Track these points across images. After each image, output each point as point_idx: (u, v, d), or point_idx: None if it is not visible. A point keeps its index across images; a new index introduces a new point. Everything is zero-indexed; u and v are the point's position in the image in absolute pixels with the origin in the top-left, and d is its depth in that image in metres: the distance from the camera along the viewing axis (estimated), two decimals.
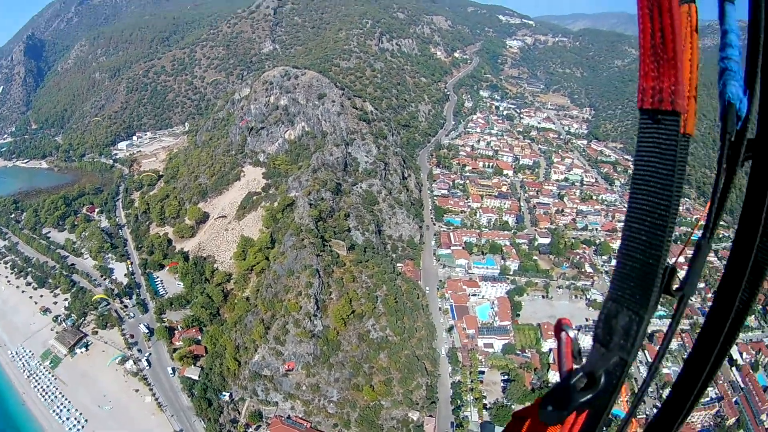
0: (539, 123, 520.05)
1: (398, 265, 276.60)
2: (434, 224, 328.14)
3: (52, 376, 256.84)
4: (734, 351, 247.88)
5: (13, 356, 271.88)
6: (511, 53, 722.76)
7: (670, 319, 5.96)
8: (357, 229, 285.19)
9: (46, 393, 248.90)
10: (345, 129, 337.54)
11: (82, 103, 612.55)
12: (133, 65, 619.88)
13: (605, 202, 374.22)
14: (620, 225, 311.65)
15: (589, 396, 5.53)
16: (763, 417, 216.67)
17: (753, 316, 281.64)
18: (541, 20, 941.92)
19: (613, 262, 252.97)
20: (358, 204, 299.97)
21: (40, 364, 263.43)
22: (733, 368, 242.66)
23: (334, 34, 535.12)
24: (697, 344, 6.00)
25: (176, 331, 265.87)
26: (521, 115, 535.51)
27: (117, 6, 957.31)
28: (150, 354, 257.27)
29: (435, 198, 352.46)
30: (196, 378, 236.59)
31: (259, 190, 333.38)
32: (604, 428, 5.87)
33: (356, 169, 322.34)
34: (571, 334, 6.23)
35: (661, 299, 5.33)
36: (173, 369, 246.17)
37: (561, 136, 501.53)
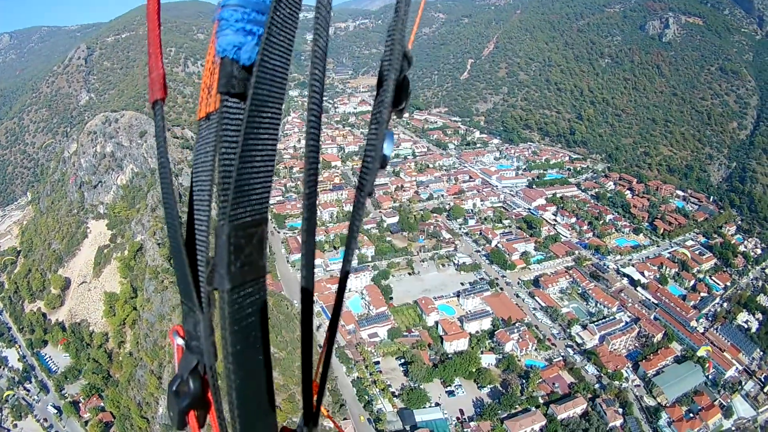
0: (355, 108, 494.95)
1: None
2: (278, 232, 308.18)
3: None
4: (633, 272, 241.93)
5: None
6: (309, 48, 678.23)
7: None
8: None
9: None
10: (171, 161, 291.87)
11: None
12: None
13: (444, 168, 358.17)
14: (466, 185, 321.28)
15: (187, 400, 4.24)
16: (693, 323, 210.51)
17: (641, 234, 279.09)
18: (340, 8, 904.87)
19: (471, 222, 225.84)
20: None
21: None
22: (638, 288, 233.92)
23: (141, 70, 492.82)
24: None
25: (80, 404, 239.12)
26: (336, 105, 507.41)
27: None
28: None
29: (272, 207, 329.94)
30: None
31: (108, 242, 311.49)
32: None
33: None
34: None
35: None
36: None
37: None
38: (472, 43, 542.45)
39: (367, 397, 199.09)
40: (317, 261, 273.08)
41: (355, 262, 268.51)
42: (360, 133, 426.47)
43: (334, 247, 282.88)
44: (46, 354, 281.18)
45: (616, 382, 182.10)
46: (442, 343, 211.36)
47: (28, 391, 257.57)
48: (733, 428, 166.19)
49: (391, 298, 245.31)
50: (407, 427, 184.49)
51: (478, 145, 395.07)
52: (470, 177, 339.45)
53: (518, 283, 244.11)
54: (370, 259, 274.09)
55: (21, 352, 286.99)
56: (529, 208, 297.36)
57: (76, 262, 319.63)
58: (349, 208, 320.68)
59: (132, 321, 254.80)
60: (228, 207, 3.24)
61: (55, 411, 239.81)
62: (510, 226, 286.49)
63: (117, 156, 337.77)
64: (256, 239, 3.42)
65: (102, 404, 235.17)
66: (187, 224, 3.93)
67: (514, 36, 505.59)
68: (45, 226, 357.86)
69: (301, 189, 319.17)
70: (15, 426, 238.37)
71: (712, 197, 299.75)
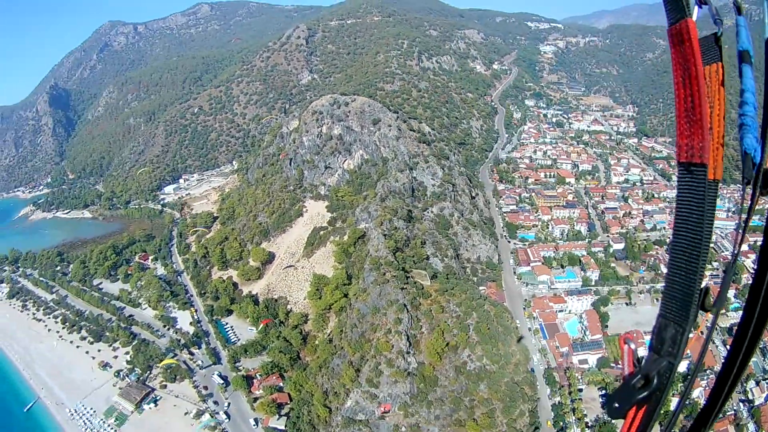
0: (588, 126, 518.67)
1: (481, 288, 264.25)
2: (509, 242, 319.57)
3: None
4: None
5: (72, 414, 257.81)
6: (546, 59, 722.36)
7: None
8: (435, 255, 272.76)
9: None
10: (406, 153, 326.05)
11: (120, 149, 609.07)
12: (167, 108, 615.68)
13: (667, 200, 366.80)
14: None
15: (645, 393, 7.52)
16: None
17: None
18: (567, 22, 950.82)
19: None
20: (433, 230, 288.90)
21: (104, 422, 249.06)
22: None
23: (372, 58, 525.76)
24: (733, 342, 7.51)
25: (254, 380, 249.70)
26: (570, 120, 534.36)
27: (140, 50, 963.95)
28: (228, 405, 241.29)
29: (504, 214, 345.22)
30: (283, 428, 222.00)
31: (325, 224, 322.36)
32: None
33: (424, 193, 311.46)
34: (632, 346, 8.69)
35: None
36: (256, 420, 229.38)
37: (612, 138, 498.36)
38: None
39: (562, 423, 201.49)
40: (543, 276, 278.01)
41: (579, 284, 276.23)
42: (593, 152, 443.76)
43: (562, 266, 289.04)
44: (227, 324, 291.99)
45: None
46: None
47: (193, 355, 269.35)
48: None
49: (606, 326, 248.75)
50: None
51: None
52: None
53: (717, 329, 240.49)
54: (593, 283, 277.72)
55: (196, 317, 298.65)
56: (734, 253, 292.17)
57: (284, 239, 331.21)
58: (579, 227, 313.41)
59: (339, 308, 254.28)
60: (737, 256, 7.73)
61: (221, 381, 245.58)
62: (717, 269, 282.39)
63: (345, 140, 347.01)
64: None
65: (281, 384, 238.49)
66: (692, 256, 7.19)
67: (728, 69, 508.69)
68: (252, 197, 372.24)
69: (536, 202, 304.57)
70: (164, 387, 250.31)
71: None
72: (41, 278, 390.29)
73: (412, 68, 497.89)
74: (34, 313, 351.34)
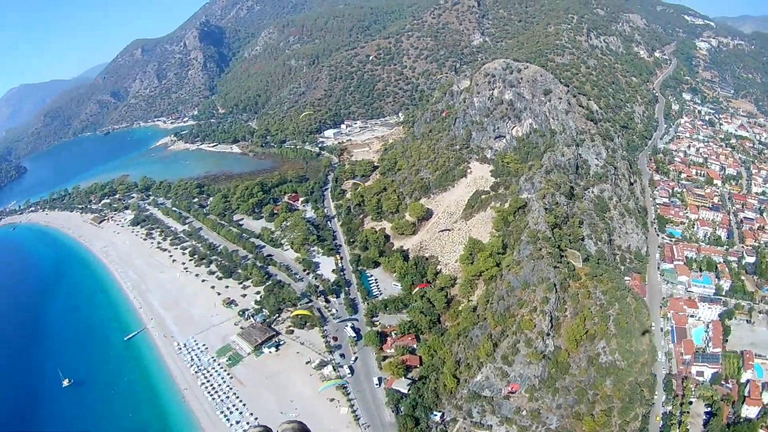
0: (736, 130, 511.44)
1: (626, 278, 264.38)
2: (657, 235, 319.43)
3: (228, 374, 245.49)
4: None
5: (180, 348, 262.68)
6: (701, 55, 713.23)
7: None
8: (590, 237, 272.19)
9: (216, 392, 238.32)
10: (574, 129, 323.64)
11: (278, 89, 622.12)
12: (333, 53, 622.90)
13: None
14: None
15: None
16: None
17: None
18: (716, 21, 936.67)
19: None
20: (591, 210, 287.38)
21: (215, 360, 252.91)
22: None
23: (543, 29, 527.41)
24: None
25: (388, 338, 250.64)
26: (720, 121, 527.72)
27: None
28: (355, 360, 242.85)
29: (657, 206, 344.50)
30: (405, 392, 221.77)
31: (488, 189, 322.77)
32: None
33: (587, 172, 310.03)
34: None
35: None
36: (379, 379, 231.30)
37: (755, 146, 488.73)
38: None
39: None
40: (683, 277, 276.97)
41: (712, 291, 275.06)
42: (738, 158, 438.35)
43: (700, 269, 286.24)
44: (371, 276, 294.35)
45: None
46: (743, 404, 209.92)
47: (329, 303, 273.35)
48: None
49: (726, 341, 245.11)
50: None
51: None
52: None
53: None
54: (724, 294, 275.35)
55: (341, 265, 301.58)
56: None
57: (444, 198, 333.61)
58: (720, 232, 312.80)
59: (490, 276, 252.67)
60: None
61: (353, 334, 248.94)
62: None
63: (516, 107, 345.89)
64: None
65: (414, 346, 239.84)
66: None
67: None
68: (416, 152, 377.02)
69: (686, 199, 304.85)
70: (291, 332, 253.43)
71: None
72: (174, 208, 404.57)
73: (581, 44, 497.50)
74: (159, 243, 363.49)
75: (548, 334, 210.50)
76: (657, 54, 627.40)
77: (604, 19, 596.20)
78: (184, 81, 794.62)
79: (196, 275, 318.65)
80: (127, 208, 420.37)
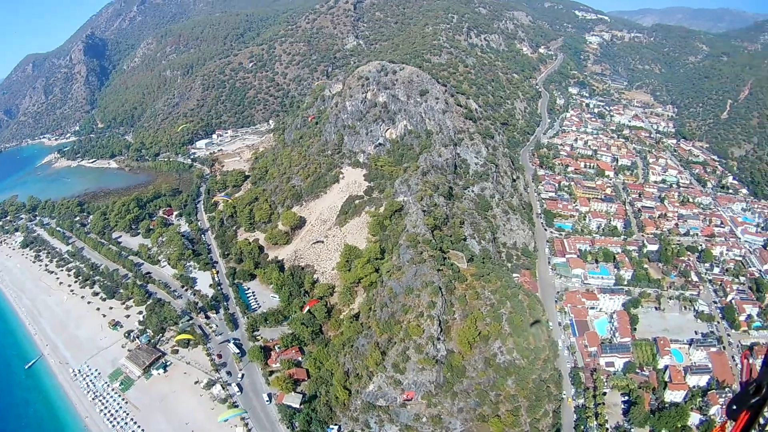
0: (629, 121, 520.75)
1: (515, 275, 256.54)
2: (545, 229, 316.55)
3: (122, 399, 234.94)
4: None
5: (76, 375, 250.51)
6: (591, 49, 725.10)
7: None
8: (473, 237, 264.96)
9: (114, 418, 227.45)
10: (452, 128, 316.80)
11: (153, 101, 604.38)
12: (207, 62, 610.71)
13: (701, 206, 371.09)
14: (717, 230, 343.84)
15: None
16: None
17: None
18: (613, 15, 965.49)
19: (716, 270, 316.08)
20: (472, 210, 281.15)
21: (108, 386, 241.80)
22: None
23: (420, 29, 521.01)
24: None
25: (272, 352, 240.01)
26: (611, 113, 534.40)
27: (183, 4, 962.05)
28: (242, 377, 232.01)
29: (543, 201, 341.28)
30: (298, 406, 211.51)
31: (362, 193, 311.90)
32: None
33: (466, 171, 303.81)
34: (753, 360, 17.89)
35: None
36: (269, 395, 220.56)
37: (651, 135, 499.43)
38: (731, 83, 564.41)
39: (583, 427, 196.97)
40: (577, 270, 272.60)
41: (612, 282, 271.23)
42: (632, 148, 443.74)
43: (596, 261, 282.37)
44: (248, 288, 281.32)
45: None
46: (664, 389, 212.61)
47: (209, 319, 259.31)
48: None
49: (635, 329, 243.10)
50: None
51: (730, 191, 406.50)
52: (721, 222, 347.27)
53: (738, 345, 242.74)
54: (626, 283, 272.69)
55: (217, 279, 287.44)
56: (760, 270, 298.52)
57: (317, 204, 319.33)
58: (616, 223, 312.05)
59: (369, 283, 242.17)
60: None
61: (237, 350, 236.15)
62: (744, 284, 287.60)
63: (391, 109, 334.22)
64: None
65: (299, 359, 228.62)
66: None
67: (764, 86, 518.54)
68: (287, 159, 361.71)
69: (574, 192, 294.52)
70: (176, 352, 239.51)
71: None
72: (58, 228, 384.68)
73: (461, 43, 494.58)
74: (46, 265, 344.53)
75: (439, 339, 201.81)
76: (542, 50, 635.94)
77: (486, 17, 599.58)
78: (68, 96, 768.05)
79: (82, 297, 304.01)
80: (17, 230, 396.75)
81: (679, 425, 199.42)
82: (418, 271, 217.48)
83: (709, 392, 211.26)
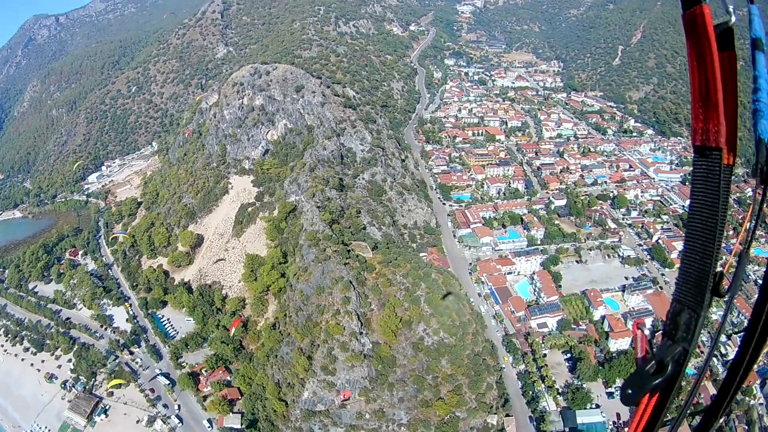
0: (513, 83, 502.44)
1: (422, 255, 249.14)
2: (443, 204, 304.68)
3: None
4: None
5: None
6: (464, 18, 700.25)
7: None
8: (372, 224, 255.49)
9: None
10: (332, 119, 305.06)
11: (44, 143, 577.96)
12: (88, 95, 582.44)
13: (605, 153, 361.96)
14: (627, 174, 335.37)
15: (658, 380, 7.03)
16: None
17: None
18: None
19: (633, 214, 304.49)
20: (366, 197, 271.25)
21: None
22: None
23: (288, 27, 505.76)
24: (745, 335, 7.34)
25: (201, 376, 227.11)
26: (493, 78, 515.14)
27: (62, 41, 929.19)
28: (179, 408, 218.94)
29: (436, 176, 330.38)
30: (239, 426, 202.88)
31: (253, 200, 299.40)
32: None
33: (353, 160, 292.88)
34: (646, 331, 8.11)
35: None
36: (210, 421, 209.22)
37: (539, 93, 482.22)
38: (620, 30, 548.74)
39: (531, 392, 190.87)
40: (486, 238, 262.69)
41: (524, 243, 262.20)
42: (521, 108, 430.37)
43: (503, 226, 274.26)
44: (163, 316, 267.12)
45: (747, 398, 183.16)
46: (607, 339, 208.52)
47: (133, 354, 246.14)
48: None
49: (560, 287, 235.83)
50: (566, 429, 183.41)
51: (634, 134, 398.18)
52: (630, 166, 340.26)
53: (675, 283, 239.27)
54: (539, 243, 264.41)
55: (132, 312, 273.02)
56: (683, 206, 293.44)
57: (211, 219, 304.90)
58: (517, 185, 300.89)
59: (278, 289, 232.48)
60: (751, 241, 6.52)
61: (167, 381, 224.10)
62: (668, 222, 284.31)
63: (268, 110, 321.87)
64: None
65: (228, 379, 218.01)
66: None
67: (659, 27, 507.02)
68: (175, 178, 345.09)
69: (467, 161, 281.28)
70: (111, 394, 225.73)
71: None
72: None
73: (330, 33, 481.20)
74: None
75: (361, 333, 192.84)
76: (413, 27, 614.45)
77: (352, 4, 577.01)
78: None
79: (15, 355, 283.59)
80: None
81: (633, 371, 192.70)
82: (324, 269, 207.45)
83: (656, 333, 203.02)
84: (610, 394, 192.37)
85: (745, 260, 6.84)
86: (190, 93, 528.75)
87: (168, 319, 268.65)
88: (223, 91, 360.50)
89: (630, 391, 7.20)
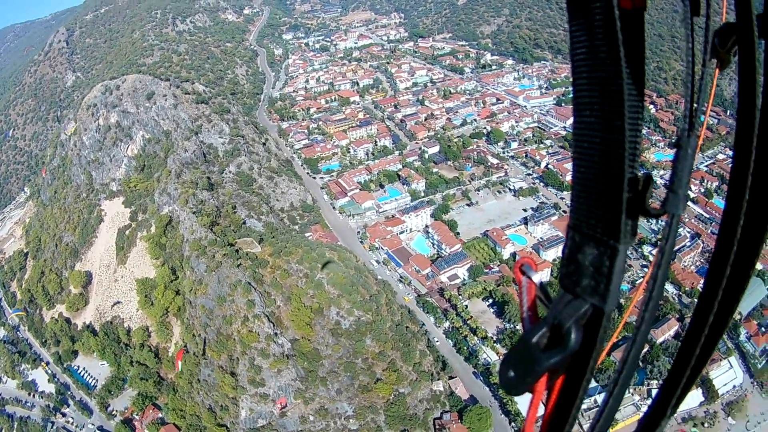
0: (356, 43, 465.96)
1: (307, 234, 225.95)
2: (313, 178, 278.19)
3: None
4: None
5: None
6: None
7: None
8: (251, 217, 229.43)
9: None
10: (188, 118, 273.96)
11: None
12: None
13: (467, 92, 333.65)
14: (495, 107, 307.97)
15: (556, 357, 3.19)
16: None
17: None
18: None
19: (513, 145, 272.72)
20: (238, 190, 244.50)
21: None
22: (689, 203, 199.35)
23: (129, 38, 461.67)
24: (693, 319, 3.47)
25: (134, 421, 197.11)
26: (334, 43, 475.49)
27: None
28: None
29: (299, 151, 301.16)
30: None
31: (128, 221, 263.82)
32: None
33: (216, 155, 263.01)
34: (535, 277, 3.85)
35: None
36: None
37: (385, 47, 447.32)
38: None
39: (467, 348, 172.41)
40: (367, 203, 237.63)
41: (407, 199, 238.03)
42: (369, 66, 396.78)
43: (381, 186, 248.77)
44: (78, 367, 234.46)
45: (696, 300, 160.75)
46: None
47: (65, 415, 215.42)
48: None
49: (458, 234, 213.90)
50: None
51: (494, 67, 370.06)
52: (497, 99, 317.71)
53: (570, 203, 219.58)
54: (423, 195, 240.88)
55: (50, 371, 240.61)
56: (565, 127, 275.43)
57: (94, 252, 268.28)
58: (384, 142, 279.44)
59: (177, 308, 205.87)
60: (696, 117, 2.80)
61: None
62: (553, 146, 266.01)
63: (124, 125, 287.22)
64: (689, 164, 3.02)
65: (161, 416, 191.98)
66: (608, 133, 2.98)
67: None
68: (52, 219, 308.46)
69: (326, 130, 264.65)
70: None
71: (728, 111, 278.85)
72: None
73: (169, 35, 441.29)
74: None
75: (276, 334, 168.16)
76: (246, 11, 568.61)
77: (187, 1, 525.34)
78: None
79: None
80: None
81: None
82: (219, 276, 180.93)
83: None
84: None
85: (689, 150, 3.31)
86: (49, 129, 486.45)
87: (84, 368, 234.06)
88: (78, 118, 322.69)
89: (512, 374, 3.33)
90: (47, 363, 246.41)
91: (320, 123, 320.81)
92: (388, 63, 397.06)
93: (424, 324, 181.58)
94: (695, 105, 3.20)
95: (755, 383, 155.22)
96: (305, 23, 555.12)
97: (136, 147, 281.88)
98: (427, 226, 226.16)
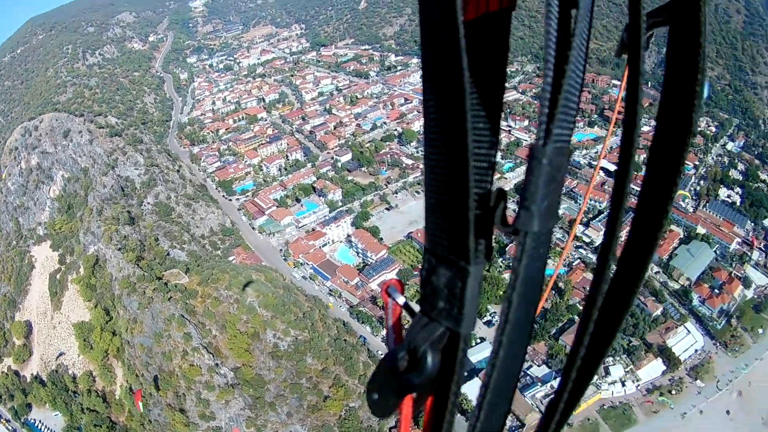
0: (259, 59, 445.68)
1: (231, 258, 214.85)
2: (229, 200, 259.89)
3: None
4: (606, 164, 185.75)
5: None
6: (198, 12, 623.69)
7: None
8: (173, 247, 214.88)
9: None
10: (103, 153, 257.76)
11: None
12: None
13: (374, 96, 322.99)
14: (404, 108, 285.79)
15: (416, 380, 2.55)
16: (682, 204, 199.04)
17: (596, 126, 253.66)
18: None
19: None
20: (158, 221, 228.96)
21: None
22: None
23: (43, 76, 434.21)
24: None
25: None
26: (237, 61, 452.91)
27: None
28: None
29: (212, 175, 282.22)
30: None
31: (57, 265, 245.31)
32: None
33: (134, 187, 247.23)
34: (399, 299, 3.19)
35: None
36: None
37: (288, 60, 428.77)
38: None
39: None
40: (286, 219, 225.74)
41: (326, 211, 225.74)
42: (273, 81, 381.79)
43: (297, 200, 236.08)
44: (35, 420, 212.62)
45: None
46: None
47: None
48: (756, 297, 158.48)
49: (381, 239, 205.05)
50: (465, 374, 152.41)
51: (399, 68, 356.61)
52: (406, 99, 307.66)
53: (512, 186, 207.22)
54: (341, 204, 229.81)
55: (10, 428, 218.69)
56: None
57: (30, 300, 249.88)
58: (295, 156, 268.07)
59: (116, 349, 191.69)
60: (554, 123, 2.05)
61: None
62: None
63: (44, 166, 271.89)
64: (562, 174, 2.14)
65: None
66: (455, 150, 2.10)
67: None
68: None
69: (237, 150, 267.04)
70: None
71: (650, 83, 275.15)
72: None
73: (80, 69, 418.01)
74: None
75: (217, 365, 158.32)
76: (152, 38, 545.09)
77: (95, 34, 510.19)
78: None
79: None
80: None
81: (502, 292, 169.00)
82: (152, 312, 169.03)
83: (507, 248, 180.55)
84: (488, 323, 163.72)
85: (545, 159, 2.10)
86: None
87: (40, 421, 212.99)
88: (2, 163, 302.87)
89: (375, 397, 2.64)
90: (8, 420, 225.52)
91: (230, 143, 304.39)
92: (292, 75, 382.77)
93: (362, 336, 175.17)
94: (554, 110, 2.11)
95: (718, 343, 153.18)
96: (208, 44, 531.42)
97: (57, 188, 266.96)
98: (349, 236, 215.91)
